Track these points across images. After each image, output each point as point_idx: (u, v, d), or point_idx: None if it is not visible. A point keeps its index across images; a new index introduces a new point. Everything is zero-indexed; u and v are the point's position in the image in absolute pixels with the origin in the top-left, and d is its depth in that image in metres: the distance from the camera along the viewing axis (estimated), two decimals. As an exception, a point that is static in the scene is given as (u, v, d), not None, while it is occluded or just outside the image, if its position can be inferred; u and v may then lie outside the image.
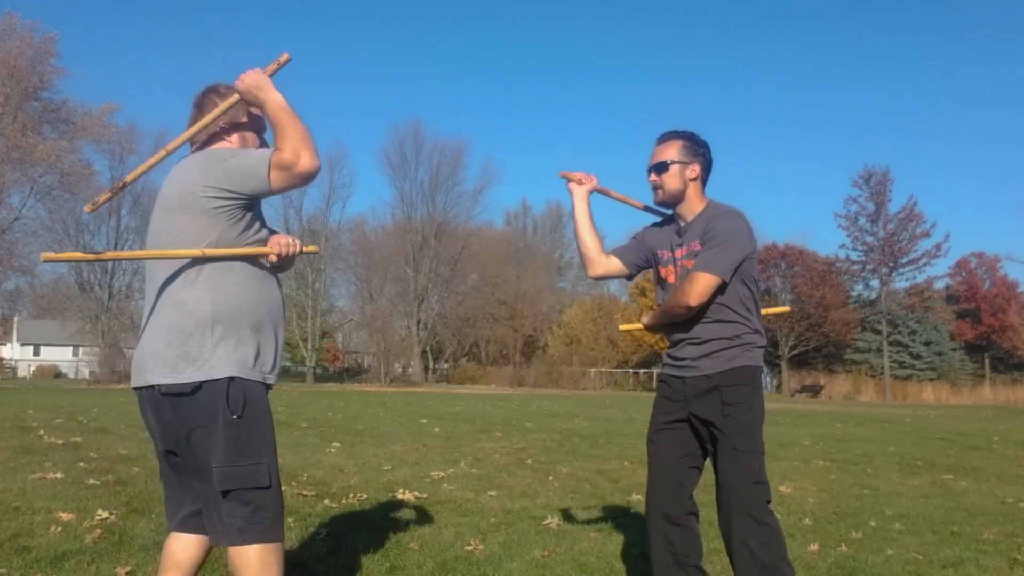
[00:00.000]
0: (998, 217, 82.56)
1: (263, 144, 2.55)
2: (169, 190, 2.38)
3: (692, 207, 3.00)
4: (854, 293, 48.69)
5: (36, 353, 56.01)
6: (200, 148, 2.48)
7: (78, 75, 71.23)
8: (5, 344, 58.41)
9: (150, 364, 2.33)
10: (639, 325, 3.23)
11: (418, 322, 48.34)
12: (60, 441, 8.66)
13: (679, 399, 2.97)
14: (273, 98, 2.35)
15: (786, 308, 3.37)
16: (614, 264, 3.21)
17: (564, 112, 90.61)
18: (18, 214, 36.37)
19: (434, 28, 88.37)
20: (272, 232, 2.49)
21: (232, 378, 2.32)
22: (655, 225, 3.20)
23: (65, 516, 4.48)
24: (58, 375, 48.20)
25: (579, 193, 3.19)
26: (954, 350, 48.88)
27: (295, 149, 2.26)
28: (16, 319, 56.55)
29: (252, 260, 2.40)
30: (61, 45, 39.30)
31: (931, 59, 79.61)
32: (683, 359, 2.98)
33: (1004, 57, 76.14)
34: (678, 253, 3.01)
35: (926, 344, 47.32)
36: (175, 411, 2.31)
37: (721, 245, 2.85)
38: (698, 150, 3.01)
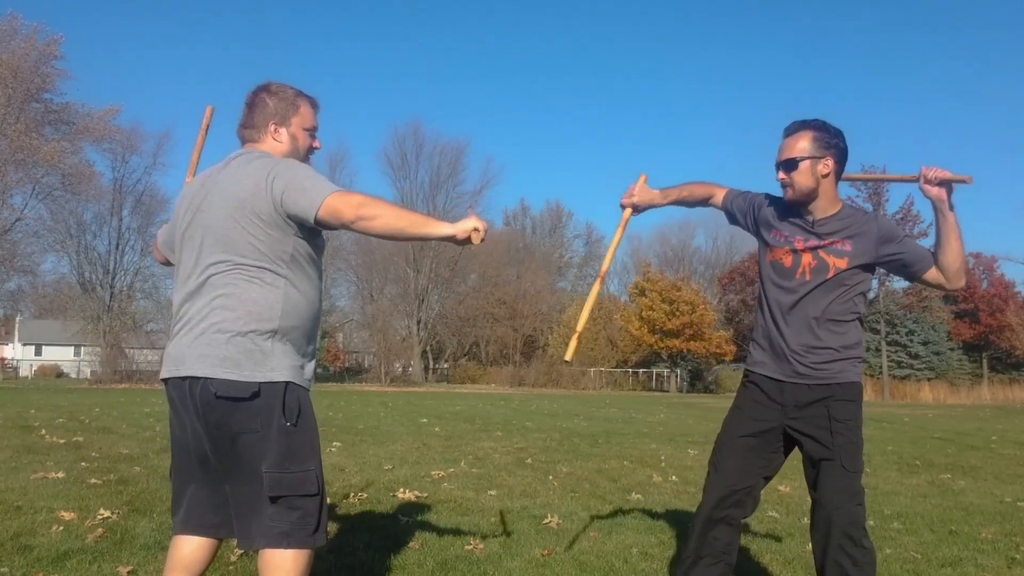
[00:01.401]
0: (996, 217, 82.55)
1: (311, 145, 2.58)
2: (243, 191, 2.33)
3: (825, 206, 2.80)
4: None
5: (38, 353, 55.98)
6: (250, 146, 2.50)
7: (80, 76, 71.19)
8: (7, 344, 58.41)
9: (204, 356, 2.28)
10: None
11: (418, 322, 48.35)
12: (62, 441, 8.68)
13: (775, 405, 2.84)
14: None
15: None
16: (714, 192, 3.10)
17: (564, 112, 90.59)
18: (20, 215, 36.39)
19: (434, 28, 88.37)
20: None
21: (288, 383, 2.33)
22: (772, 200, 2.96)
23: (67, 515, 4.49)
24: (60, 375, 48.18)
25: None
26: (952, 350, 48.91)
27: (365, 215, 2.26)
28: (18, 319, 56.53)
29: (315, 267, 2.43)
30: (64, 46, 39.22)
31: (931, 59, 79.66)
32: (788, 365, 2.82)
33: (1003, 57, 76.17)
34: (811, 243, 2.80)
35: (924, 344, 47.34)
36: (228, 414, 2.28)
37: (908, 239, 2.83)
38: (831, 141, 2.77)
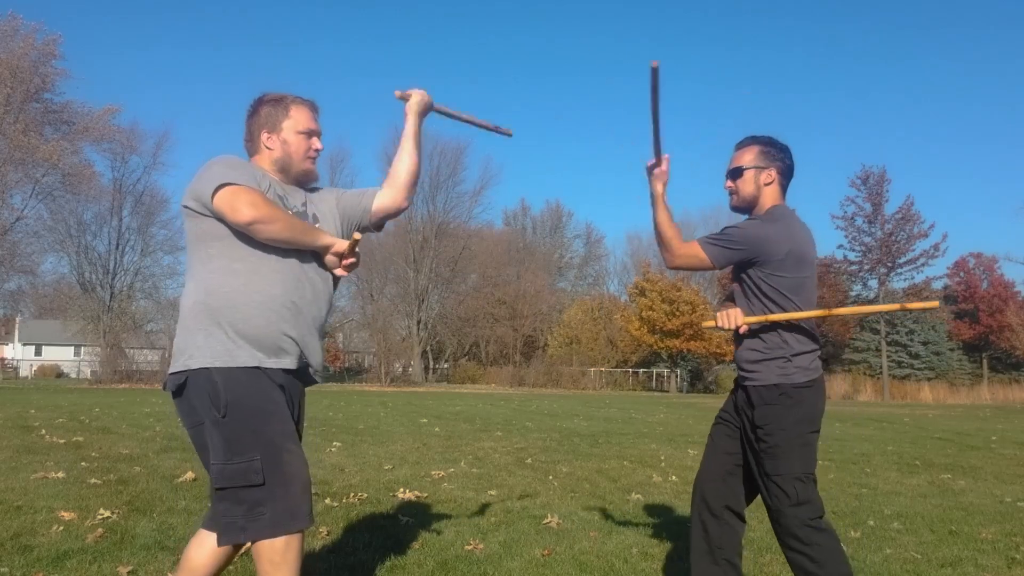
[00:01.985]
0: (996, 217, 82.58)
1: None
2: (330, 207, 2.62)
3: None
4: (852, 293, 48.69)
5: (38, 353, 55.97)
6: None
7: (80, 76, 71.27)
8: (7, 344, 58.40)
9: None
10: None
11: (418, 322, 48.35)
12: (62, 441, 8.68)
13: (741, 403, 2.97)
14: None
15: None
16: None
17: (563, 112, 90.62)
18: (20, 214, 36.39)
19: (434, 28, 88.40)
20: None
21: (206, 369, 2.32)
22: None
23: (67, 515, 4.49)
24: (60, 375, 48.17)
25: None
26: (952, 350, 48.91)
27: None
28: (18, 319, 56.52)
29: (259, 246, 2.37)
30: (64, 46, 39.27)
31: (931, 59, 79.64)
32: (737, 368, 2.98)
33: (1004, 57, 76.16)
34: None
35: (924, 344, 47.36)
36: (178, 409, 2.44)
37: (726, 233, 2.87)
38: (775, 155, 2.96)
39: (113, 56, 79.90)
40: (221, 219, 2.34)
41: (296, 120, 2.52)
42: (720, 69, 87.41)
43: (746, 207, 2.98)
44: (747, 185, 2.94)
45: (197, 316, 2.36)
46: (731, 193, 3.00)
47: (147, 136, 43.57)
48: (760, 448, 2.79)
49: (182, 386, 2.34)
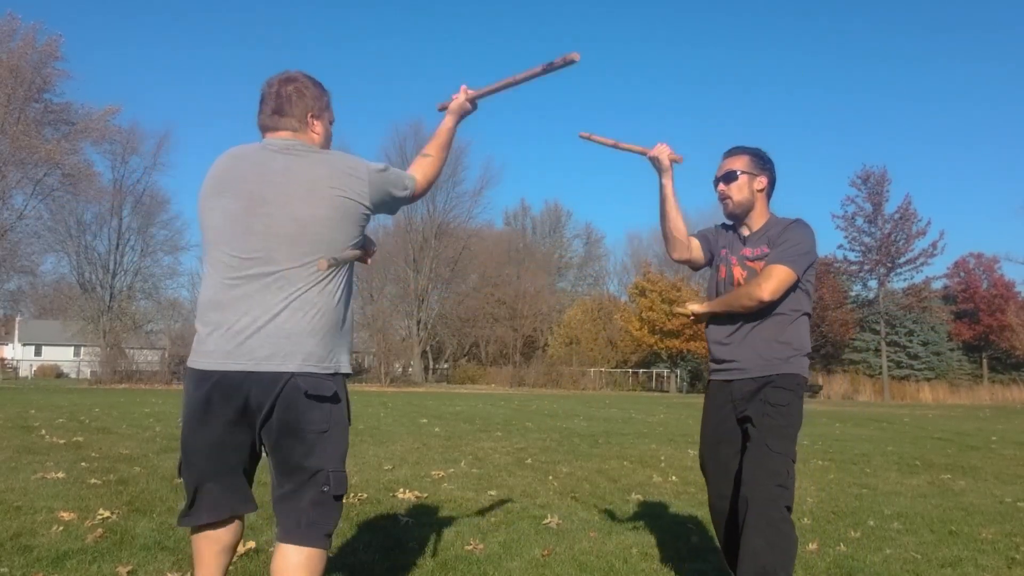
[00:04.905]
0: (997, 217, 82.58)
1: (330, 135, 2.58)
2: (314, 186, 2.33)
3: (757, 218, 3.08)
4: (852, 293, 48.72)
5: (38, 353, 55.99)
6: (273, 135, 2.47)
7: (81, 76, 71.25)
8: (7, 344, 58.41)
9: (285, 348, 2.27)
10: (688, 311, 3.20)
11: (418, 322, 48.34)
12: (62, 441, 8.67)
13: (727, 403, 3.02)
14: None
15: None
16: (695, 248, 3.21)
17: (564, 112, 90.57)
18: (20, 215, 36.39)
19: (434, 28, 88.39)
20: None
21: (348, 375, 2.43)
22: (722, 225, 3.26)
23: (66, 515, 4.48)
24: (59, 375, 48.19)
25: (665, 166, 3.10)
26: (952, 350, 48.91)
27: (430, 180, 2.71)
28: (18, 319, 56.54)
29: (354, 271, 2.48)
30: (64, 46, 39.27)
31: (931, 59, 79.63)
32: (732, 361, 3.01)
33: (1004, 57, 76.15)
34: (744, 252, 3.07)
35: (924, 344, 47.36)
36: (308, 411, 2.29)
37: (797, 245, 2.93)
38: (764, 165, 3.09)
39: (113, 56, 79.99)
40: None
41: (331, 112, 2.58)
42: (720, 69, 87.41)
43: (741, 212, 3.08)
44: (742, 190, 3.04)
45: (341, 323, 2.39)
46: (724, 198, 3.09)
47: (147, 136, 43.64)
48: (770, 424, 2.86)
49: (334, 392, 2.35)
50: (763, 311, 2.94)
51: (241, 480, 2.44)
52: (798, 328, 2.98)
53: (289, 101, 2.43)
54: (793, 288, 2.93)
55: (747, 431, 2.93)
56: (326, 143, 2.53)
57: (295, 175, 2.32)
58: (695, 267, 3.32)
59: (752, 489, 2.80)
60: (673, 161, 3.10)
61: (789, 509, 2.81)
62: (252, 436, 2.36)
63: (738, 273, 3.06)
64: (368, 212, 2.41)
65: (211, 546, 2.41)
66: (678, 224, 3.15)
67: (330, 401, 2.32)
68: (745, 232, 3.10)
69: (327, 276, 2.32)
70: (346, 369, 2.40)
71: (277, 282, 2.27)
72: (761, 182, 3.05)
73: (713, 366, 3.12)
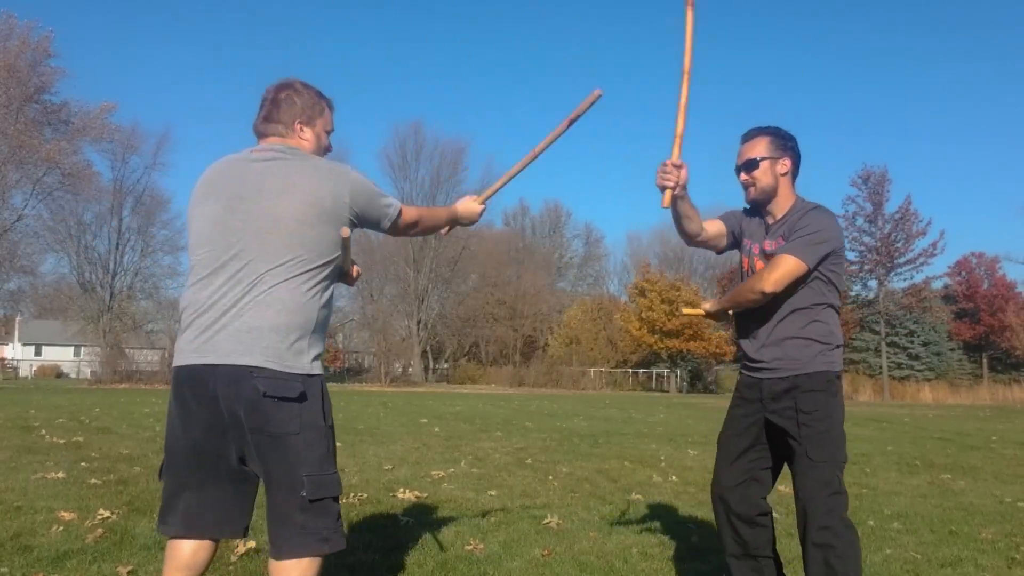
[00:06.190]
0: (997, 217, 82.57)
1: (328, 144, 2.59)
2: (291, 183, 2.32)
3: (782, 204, 2.93)
4: (852, 293, 48.71)
5: (38, 353, 55.97)
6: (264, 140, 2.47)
7: (79, 75, 71.42)
8: (7, 344, 58.40)
9: (246, 343, 2.22)
10: (701, 311, 3.13)
11: (418, 322, 48.34)
12: (62, 441, 8.68)
13: (755, 400, 2.93)
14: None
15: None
16: (713, 229, 3.07)
17: (563, 112, 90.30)
18: (20, 214, 36.41)
19: (435, 28, 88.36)
20: None
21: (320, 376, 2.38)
22: (748, 212, 3.10)
23: (67, 515, 4.48)
24: (60, 375, 48.18)
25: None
26: (952, 350, 48.88)
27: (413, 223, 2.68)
28: (18, 319, 56.53)
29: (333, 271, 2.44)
30: (63, 45, 39.62)
31: (931, 59, 79.62)
32: (759, 361, 2.91)
33: (1004, 57, 76.12)
34: (765, 245, 2.93)
35: (924, 344, 47.32)
36: (274, 413, 2.23)
37: (811, 235, 2.79)
38: (787, 144, 2.93)
39: (113, 56, 79.98)
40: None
41: (326, 120, 2.56)
42: (720, 69, 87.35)
43: (765, 199, 2.94)
44: (765, 176, 2.90)
45: (312, 323, 2.35)
46: (748, 186, 2.95)
47: (147, 136, 43.87)
48: (806, 434, 2.75)
49: (302, 393, 2.29)
50: (785, 306, 2.83)
51: (227, 495, 2.34)
52: (825, 321, 2.87)
53: (279, 107, 2.47)
54: (805, 279, 2.81)
55: (788, 444, 2.83)
56: (318, 151, 2.52)
57: (273, 173, 2.34)
58: (717, 250, 3.17)
59: (807, 502, 2.73)
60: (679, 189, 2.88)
61: (848, 510, 2.74)
62: (232, 446, 2.29)
63: (759, 267, 2.93)
64: (349, 215, 2.38)
65: (172, 561, 2.34)
66: (691, 216, 3.01)
67: (296, 402, 2.25)
68: (770, 220, 2.96)
69: (301, 274, 2.29)
70: (315, 370, 2.34)
71: (248, 276, 2.26)
72: (785, 165, 2.90)
73: (744, 362, 3.02)
